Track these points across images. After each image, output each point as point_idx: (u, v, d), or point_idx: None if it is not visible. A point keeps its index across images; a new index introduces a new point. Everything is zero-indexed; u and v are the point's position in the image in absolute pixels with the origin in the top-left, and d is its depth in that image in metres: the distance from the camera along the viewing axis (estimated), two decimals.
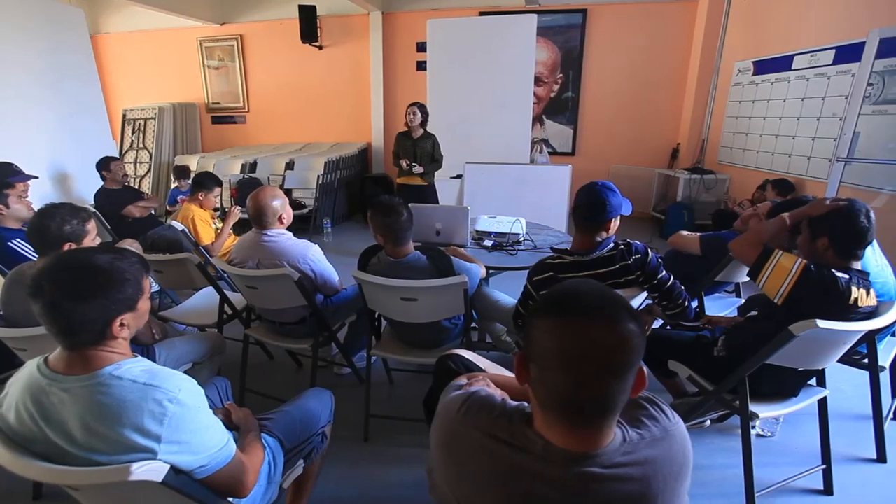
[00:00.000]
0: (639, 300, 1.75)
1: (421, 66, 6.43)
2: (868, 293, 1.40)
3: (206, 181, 3.10)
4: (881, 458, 1.91)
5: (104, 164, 3.59)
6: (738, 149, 5.32)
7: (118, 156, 4.58)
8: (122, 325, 0.93)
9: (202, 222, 2.97)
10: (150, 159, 6.07)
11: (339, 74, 6.60)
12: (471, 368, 1.27)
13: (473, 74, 5.20)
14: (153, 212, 3.85)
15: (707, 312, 2.33)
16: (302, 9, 5.89)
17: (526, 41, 5.06)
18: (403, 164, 3.89)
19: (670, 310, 1.72)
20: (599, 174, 6.41)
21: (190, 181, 4.54)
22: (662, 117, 6.24)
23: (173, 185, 4.53)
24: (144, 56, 6.99)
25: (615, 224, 1.67)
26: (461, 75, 5.21)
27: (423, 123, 3.95)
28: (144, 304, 0.99)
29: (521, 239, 2.49)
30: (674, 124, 6.27)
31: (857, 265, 1.44)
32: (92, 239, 1.64)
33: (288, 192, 5.42)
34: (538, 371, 0.67)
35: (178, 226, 2.87)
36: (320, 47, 6.46)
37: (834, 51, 3.98)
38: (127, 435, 0.84)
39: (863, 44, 3.65)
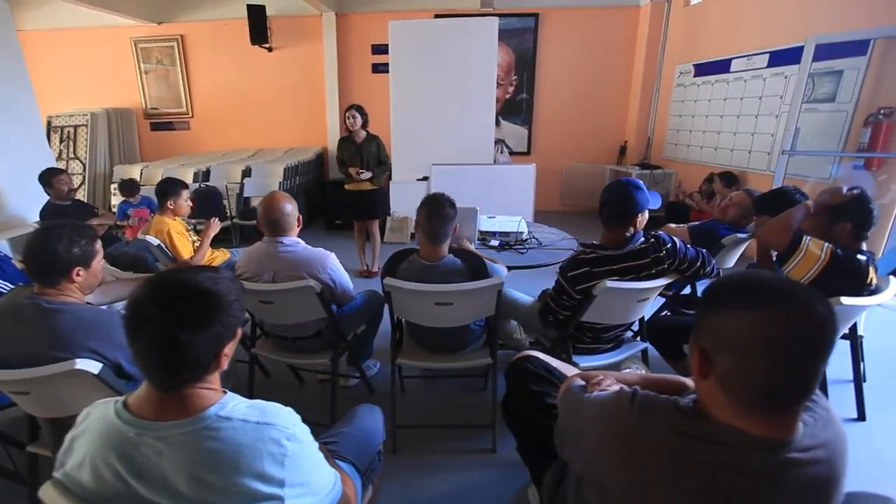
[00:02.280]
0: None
1: (377, 68, 6.35)
2: (875, 271, 1.57)
3: (172, 186, 2.86)
4: (861, 416, 2.14)
5: (45, 179, 3.20)
6: (682, 145, 5.74)
7: (58, 167, 4.08)
8: (226, 355, 0.83)
9: (179, 235, 2.74)
10: (84, 170, 5.49)
11: (292, 77, 6.34)
12: (549, 369, 1.28)
13: (436, 76, 5.21)
14: (113, 229, 3.50)
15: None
16: (251, 9, 5.60)
17: (487, 44, 5.14)
18: (353, 172, 3.76)
19: (702, 276, 1.81)
20: (555, 172, 6.69)
21: (140, 194, 4.17)
22: (610, 116, 6.60)
23: (122, 199, 4.14)
24: (69, 57, 6.30)
25: (643, 218, 1.75)
26: (424, 77, 5.20)
27: (365, 125, 3.81)
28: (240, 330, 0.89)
29: (526, 237, 2.53)
30: (621, 123, 6.64)
31: (865, 245, 1.62)
32: (100, 260, 1.46)
33: (246, 201, 5.15)
34: (734, 363, 0.68)
35: (154, 241, 2.63)
36: (270, 49, 6.17)
37: (768, 55, 4.41)
38: (247, 483, 0.74)
39: (793, 49, 4.10)
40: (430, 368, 2.32)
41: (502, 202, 5.09)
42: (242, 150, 6.30)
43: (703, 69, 5.33)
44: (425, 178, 5.30)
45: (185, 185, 2.96)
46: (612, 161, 6.68)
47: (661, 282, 1.78)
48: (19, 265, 2.29)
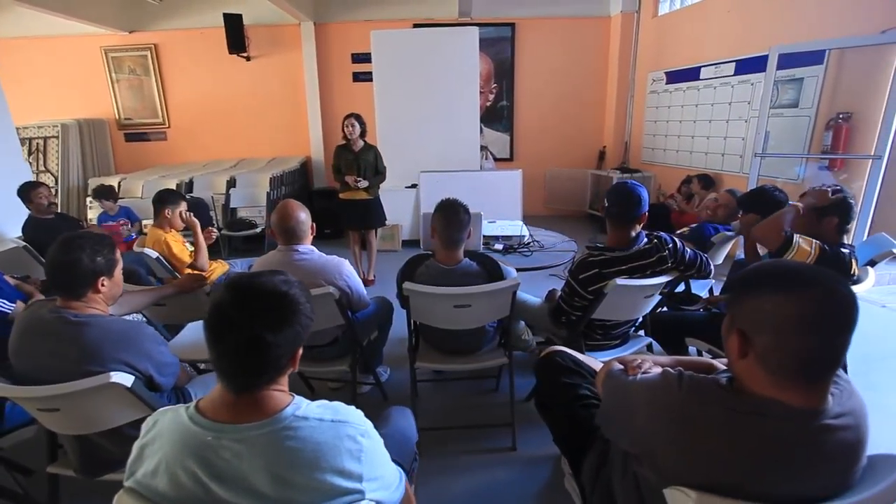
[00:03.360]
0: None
1: (357, 77, 6.38)
2: (856, 263, 1.72)
3: (169, 196, 2.82)
4: None
5: (24, 193, 3.09)
6: (658, 149, 5.98)
7: (36, 180, 3.91)
8: (299, 356, 0.85)
9: (177, 243, 2.70)
10: (56, 184, 5.27)
11: (271, 86, 6.29)
12: (577, 361, 1.34)
13: (419, 85, 5.28)
14: None
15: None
16: (227, 18, 5.54)
17: (469, 53, 5.25)
18: (350, 180, 3.76)
19: (701, 276, 1.92)
20: (538, 178, 6.85)
21: (117, 203, 4.05)
22: (589, 122, 6.82)
23: (100, 212, 4.02)
24: (36, 66, 6.03)
25: (644, 218, 1.85)
26: (408, 86, 5.26)
27: (363, 135, 3.83)
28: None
29: (528, 241, 2.61)
30: (599, 128, 6.87)
31: (846, 239, 1.76)
32: (121, 269, 1.44)
33: (233, 212, 5.06)
34: (773, 341, 0.76)
35: (152, 253, 2.57)
36: (248, 58, 6.11)
37: (734, 63, 4.68)
38: (328, 479, 0.76)
39: (757, 58, 4.37)
40: (440, 371, 2.35)
41: (491, 208, 5.13)
42: (223, 161, 6.18)
43: (674, 77, 5.60)
44: (414, 186, 5.35)
45: (184, 197, 2.91)
46: (592, 166, 6.89)
47: (664, 279, 1.89)
48: (12, 281, 2.21)
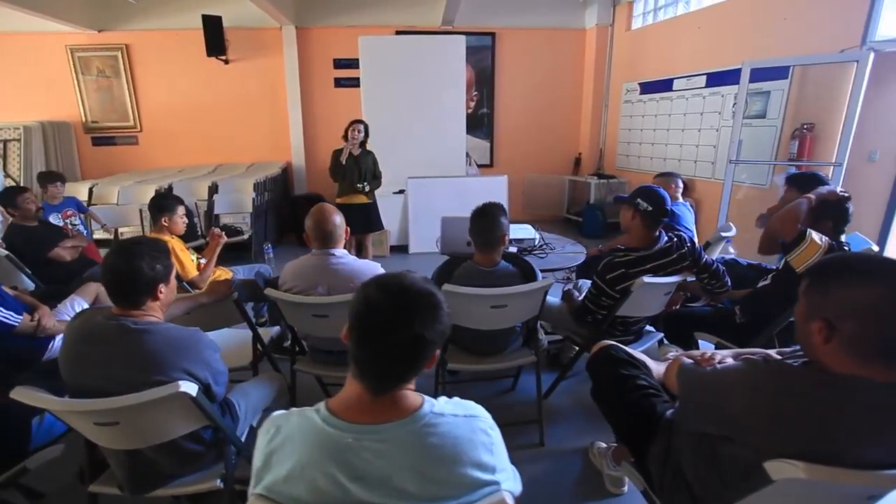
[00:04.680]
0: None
1: (339, 82, 6.34)
2: None
3: (166, 201, 2.72)
4: None
5: (7, 200, 2.89)
6: (633, 156, 6.27)
7: (21, 185, 3.65)
8: (437, 354, 0.86)
9: (182, 252, 2.61)
10: None
11: (251, 91, 6.15)
12: (631, 354, 1.42)
13: (406, 91, 5.32)
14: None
15: None
16: (206, 19, 5.38)
17: (456, 60, 5.35)
18: (352, 144, 3.78)
19: (715, 287, 2.06)
20: (516, 183, 7.01)
21: (62, 188, 3.66)
22: (565, 130, 7.06)
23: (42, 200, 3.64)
24: None
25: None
26: (395, 92, 5.29)
27: (364, 142, 3.92)
28: None
29: (538, 244, 2.70)
30: (574, 136, 7.13)
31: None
32: (174, 275, 1.41)
33: (216, 218, 4.91)
34: (860, 326, 0.86)
35: None
36: (227, 61, 5.95)
37: (706, 76, 5.00)
38: (469, 473, 0.78)
39: (727, 71, 4.69)
40: (455, 372, 2.39)
41: None
42: (200, 167, 5.97)
43: (647, 87, 5.90)
44: (401, 192, 5.37)
45: (181, 202, 2.80)
46: (568, 172, 7.12)
47: (679, 277, 2.02)
48: (12, 292, 2.08)
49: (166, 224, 2.69)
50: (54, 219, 3.53)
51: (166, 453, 1.34)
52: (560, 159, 7.14)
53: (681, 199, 3.07)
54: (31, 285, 2.73)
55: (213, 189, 5.00)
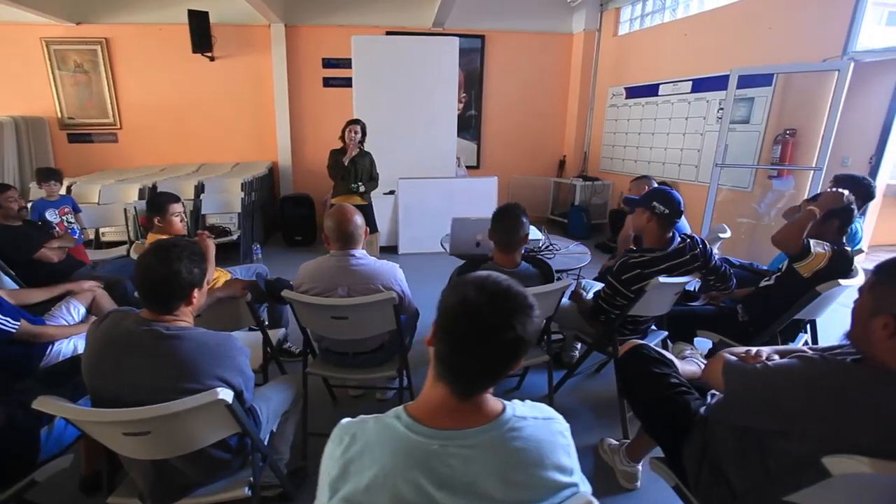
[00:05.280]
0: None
1: (328, 82, 6.26)
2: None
3: (156, 200, 2.59)
4: None
5: None
6: (617, 159, 6.40)
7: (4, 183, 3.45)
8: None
9: None
10: None
11: (237, 89, 6.00)
12: (661, 353, 1.45)
13: (399, 92, 5.29)
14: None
15: None
16: (192, 14, 5.23)
17: (449, 62, 5.36)
18: (350, 146, 3.75)
19: (721, 289, 2.12)
20: (502, 184, 7.03)
21: (60, 190, 3.66)
22: (550, 133, 7.15)
23: (39, 196, 3.62)
24: None
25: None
26: (387, 92, 5.26)
27: (362, 142, 3.91)
28: None
29: (545, 245, 2.72)
30: (559, 139, 7.23)
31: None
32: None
33: (202, 219, 4.77)
34: None
35: None
36: (212, 58, 5.79)
37: (691, 82, 5.15)
38: (551, 476, 0.78)
39: (712, 78, 4.85)
40: None
41: (467, 213, 5.26)
42: (183, 166, 5.80)
43: (633, 92, 6.04)
44: (391, 192, 5.33)
45: (173, 199, 2.67)
46: (553, 174, 7.22)
47: (690, 278, 2.07)
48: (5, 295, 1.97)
49: (160, 224, 2.59)
50: (51, 214, 3.42)
51: (193, 462, 1.29)
52: (545, 161, 7.23)
53: None
54: (12, 286, 2.59)
55: (200, 189, 4.87)
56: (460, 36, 6.40)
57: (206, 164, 5.92)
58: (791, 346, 1.31)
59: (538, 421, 0.81)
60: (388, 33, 6.13)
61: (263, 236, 5.62)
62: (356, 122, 3.82)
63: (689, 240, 2.02)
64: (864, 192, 2.30)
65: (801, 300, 1.95)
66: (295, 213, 5.60)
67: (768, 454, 1.06)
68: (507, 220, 1.84)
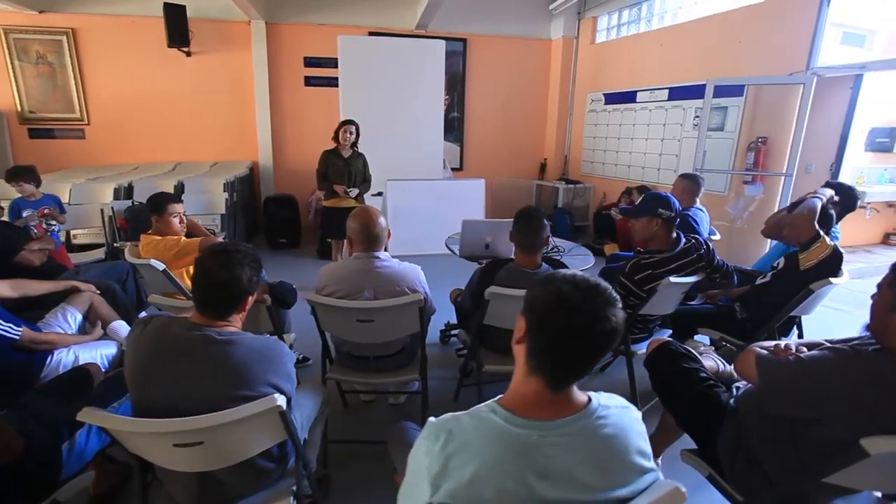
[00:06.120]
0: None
1: (310, 81, 6.16)
2: None
3: (156, 199, 2.50)
4: None
5: None
6: (598, 163, 6.60)
7: None
8: None
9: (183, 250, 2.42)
10: None
11: (214, 86, 5.80)
12: (688, 349, 1.52)
13: (386, 93, 5.27)
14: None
15: None
16: (168, 8, 5.03)
17: (435, 64, 5.38)
18: (340, 190, 3.73)
19: (724, 285, 2.24)
20: (486, 186, 7.14)
21: (35, 184, 3.46)
22: (531, 136, 7.30)
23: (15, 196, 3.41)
24: None
25: None
26: (374, 93, 5.22)
27: (355, 143, 3.89)
28: None
29: (551, 247, 2.79)
30: (540, 142, 7.38)
31: None
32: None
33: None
34: None
35: (159, 265, 2.28)
36: (189, 53, 5.58)
37: (668, 90, 5.38)
38: (636, 460, 0.82)
39: (688, 87, 5.08)
40: (472, 371, 2.41)
41: (456, 215, 5.30)
42: (157, 164, 5.54)
43: (612, 98, 6.24)
44: (379, 194, 5.29)
45: (172, 199, 2.55)
46: (534, 176, 7.36)
47: (696, 277, 2.18)
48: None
49: (158, 224, 2.49)
50: (28, 213, 3.23)
51: (239, 473, 1.26)
52: (527, 164, 7.37)
53: (697, 203, 3.09)
54: None
55: (180, 189, 4.67)
56: (443, 38, 6.47)
57: (183, 163, 5.69)
58: (813, 340, 1.40)
59: (619, 409, 0.86)
60: (371, 33, 6.08)
61: (245, 238, 5.45)
62: (350, 122, 3.79)
63: (693, 241, 2.13)
64: (849, 201, 2.46)
65: (797, 297, 2.08)
66: (279, 215, 5.47)
67: (803, 440, 1.14)
68: (530, 222, 1.88)
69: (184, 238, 2.45)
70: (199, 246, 2.30)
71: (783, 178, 4.31)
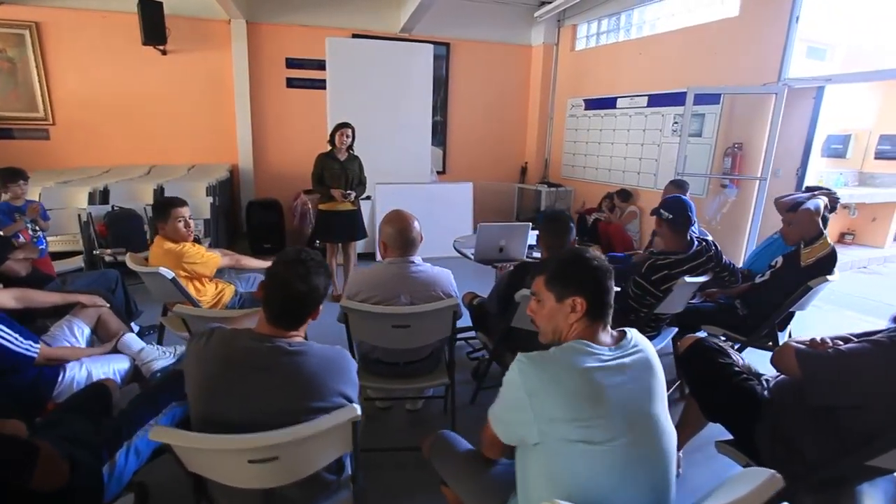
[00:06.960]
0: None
1: (292, 82, 6.03)
2: None
3: (160, 202, 2.46)
4: None
5: None
6: (578, 166, 6.78)
7: None
8: None
9: (194, 256, 2.34)
10: None
11: (192, 86, 5.58)
12: (720, 345, 1.60)
13: (373, 96, 5.23)
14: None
15: None
16: (144, 4, 4.80)
17: (423, 68, 5.38)
18: (338, 195, 3.69)
19: (731, 283, 2.35)
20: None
21: (26, 187, 3.28)
22: (512, 140, 7.41)
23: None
24: None
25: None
26: (361, 96, 5.17)
27: (351, 146, 3.86)
28: None
29: None
30: (521, 146, 7.51)
31: None
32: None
33: None
34: None
35: (168, 274, 2.18)
36: (164, 52, 5.35)
37: (647, 97, 5.60)
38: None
39: (667, 94, 5.31)
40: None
41: (444, 218, 5.34)
42: (131, 167, 5.27)
43: (592, 104, 6.43)
44: (368, 198, 5.24)
45: (175, 203, 2.45)
46: (515, 180, 7.48)
47: (706, 277, 2.29)
48: None
49: (163, 230, 2.40)
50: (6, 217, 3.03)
51: (305, 487, 1.22)
52: (507, 168, 7.47)
53: None
54: None
55: (160, 193, 4.47)
56: (426, 42, 6.48)
57: (158, 166, 5.43)
58: (840, 334, 1.51)
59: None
60: (355, 36, 6.03)
61: (228, 243, 5.26)
62: (347, 125, 3.73)
63: (703, 243, 2.24)
64: (832, 204, 2.64)
65: (797, 293, 2.22)
66: (263, 219, 5.32)
67: (844, 427, 1.23)
68: (559, 224, 1.93)
69: (205, 251, 2.37)
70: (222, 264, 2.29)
71: (758, 181, 4.57)
